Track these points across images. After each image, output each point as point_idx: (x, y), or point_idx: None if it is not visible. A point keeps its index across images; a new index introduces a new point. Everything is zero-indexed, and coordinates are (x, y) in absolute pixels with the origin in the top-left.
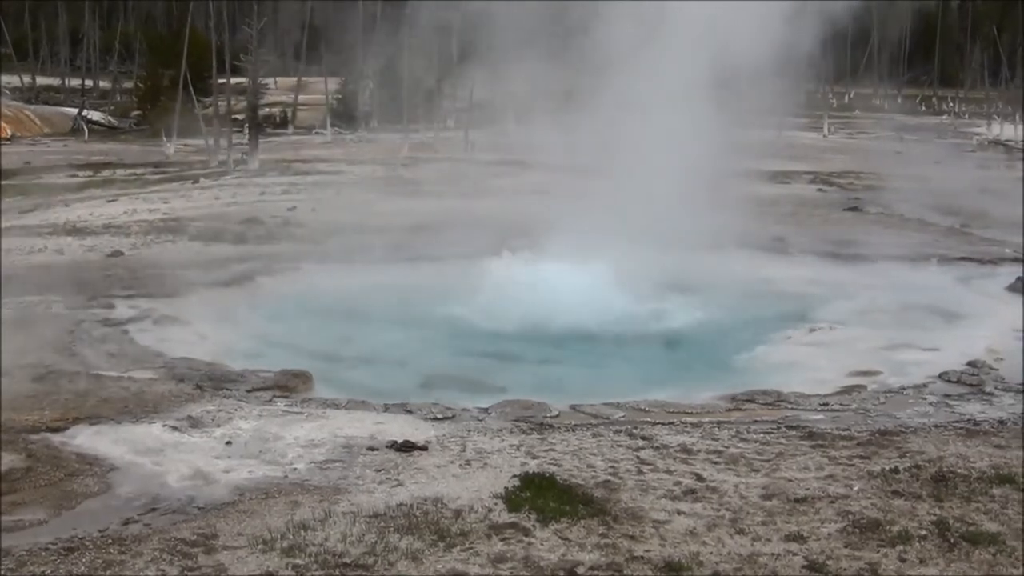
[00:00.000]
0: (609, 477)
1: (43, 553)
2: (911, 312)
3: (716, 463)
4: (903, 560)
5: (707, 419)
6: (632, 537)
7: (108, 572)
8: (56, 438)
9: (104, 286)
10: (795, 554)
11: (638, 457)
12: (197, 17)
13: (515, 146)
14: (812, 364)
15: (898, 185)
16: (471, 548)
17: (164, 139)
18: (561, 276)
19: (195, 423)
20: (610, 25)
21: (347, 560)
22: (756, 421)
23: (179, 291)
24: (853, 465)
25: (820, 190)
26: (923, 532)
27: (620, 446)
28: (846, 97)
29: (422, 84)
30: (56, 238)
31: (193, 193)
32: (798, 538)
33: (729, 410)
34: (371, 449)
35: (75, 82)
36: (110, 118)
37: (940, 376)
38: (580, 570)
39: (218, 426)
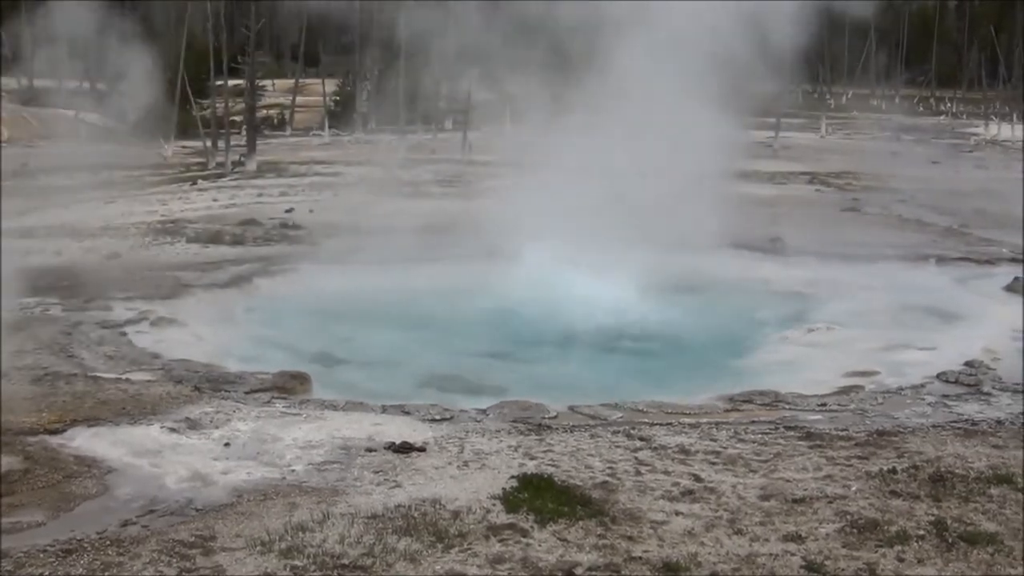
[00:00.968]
0: (607, 478)
1: (41, 555)
2: (909, 312)
3: (714, 464)
4: (901, 560)
5: (705, 420)
6: (630, 538)
7: (106, 574)
8: (54, 440)
9: (102, 288)
10: (793, 554)
11: (636, 458)
12: (194, 19)
13: (512, 147)
14: (810, 364)
15: (896, 185)
16: (469, 549)
17: (162, 141)
18: (560, 277)
19: (193, 425)
20: (603, 25)
21: (345, 561)
22: (754, 422)
23: (177, 293)
24: (851, 465)
25: (818, 191)
26: (921, 532)
27: (618, 447)
28: (844, 98)
29: (420, 85)
30: (54, 240)
31: (191, 195)
32: (796, 538)
33: (727, 411)
34: (369, 450)
35: (72, 83)
36: (108, 120)
37: (938, 376)
38: (578, 571)
39: (216, 428)
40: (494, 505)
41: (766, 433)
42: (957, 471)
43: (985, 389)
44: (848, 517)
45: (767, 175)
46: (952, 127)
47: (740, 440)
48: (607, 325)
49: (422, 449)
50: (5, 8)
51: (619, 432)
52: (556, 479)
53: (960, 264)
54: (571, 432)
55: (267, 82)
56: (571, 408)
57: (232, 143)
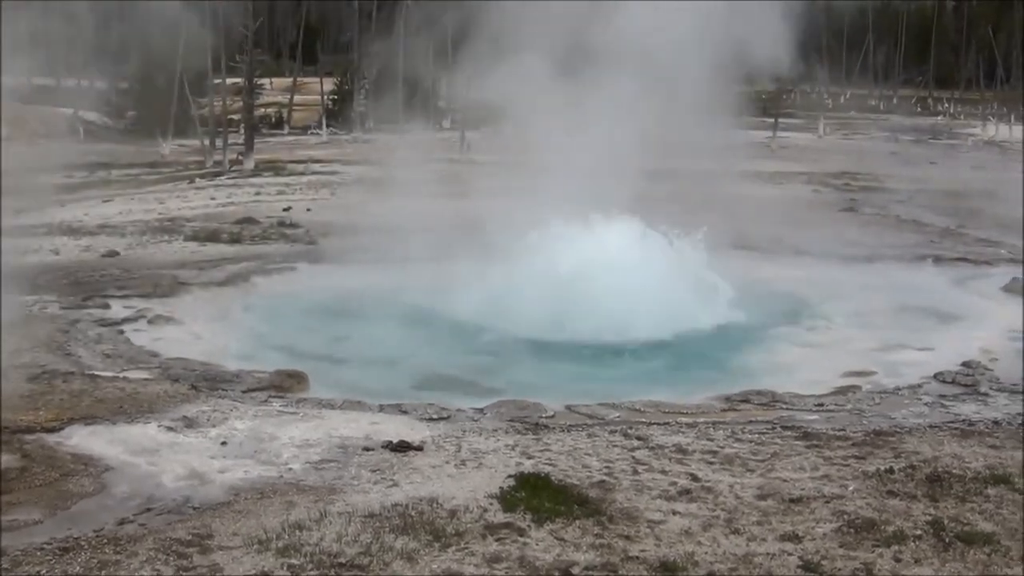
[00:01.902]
0: (604, 477)
1: (38, 553)
2: (906, 313)
3: (711, 463)
4: (898, 560)
5: (702, 419)
6: (627, 537)
7: (103, 572)
8: (51, 438)
9: (99, 286)
10: (790, 554)
11: (633, 457)
12: (192, 17)
13: (512, 147)
14: (807, 364)
15: (894, 186)
16: (466, 548)
17: (160, 139)
18: (559, 276)
19: (190, 423)
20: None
21: (342, 560)
22: (751, 421)
23: (174, 291)
24: (848, 465)
25: (816, 191)
26: (918, 532)
27: (615, 446)
28: (842, 98)
29: (419, 84)
30: (52, 238)
31: (188, 193)
32: (793, 538)
33: (724, 410)
34: (366, 449)
35: (70, 82)
36: (106, 118)
37: (935, 376)
38: (575, 570)
39: (213, 426)
40: (491, 504)
41: (763, 433)
42: (954, 471)
43: (982, 389)
44: (845, 517)
45: (765, 175)
46: (950, 128)
47: (737, 440)
48: (608, 325)
49: (419, 448)
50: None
51: (616, 431)
52: (553, 478)
53: (958, 264)
54: (568, 431)
55: (265, 80)
56: (568, 407)
57: (230, 142)
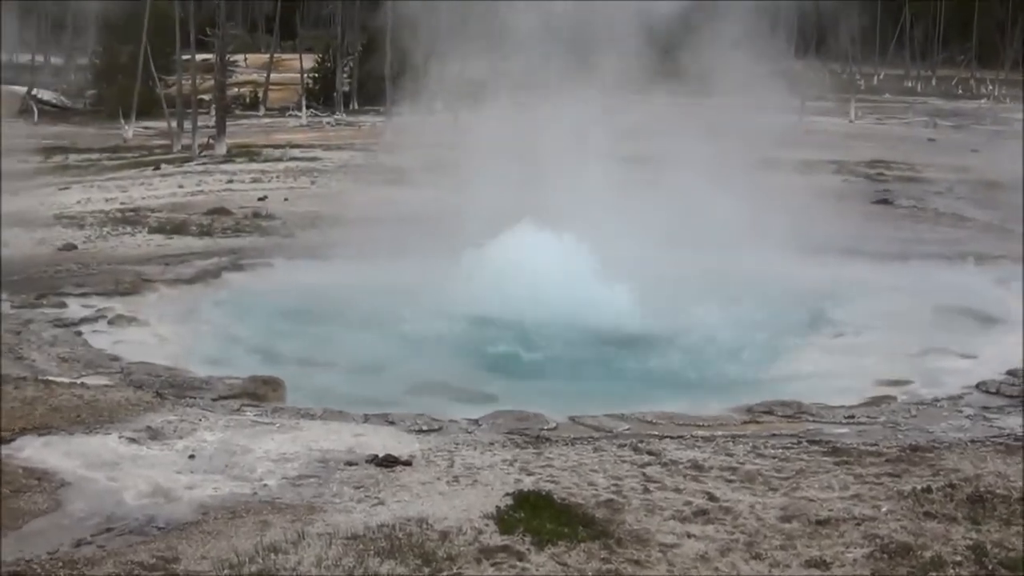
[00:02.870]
0: (612, 496)
1: None
2: (945, 316)
3: (730, 481)
4: None
5: (720, 433)
6: (637, 562)
7: None
8: (1, 450)
9: (55, 283)
10: None
11: (644, 474)
12: None
13: (507, 130)
14: (836, 372)
15: (932, 176)
16: (459, 574)
17: (122, 121)
18: (558, 275)
19: (155, 434)
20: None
21: None
22: (774, 435)
23: (138, 289)
24: (881, 484)
25: (846, 181)
26: (958, 558)
27: (624, 462)
28: (875, 79)
29: (407, 62)
30: (2, 230)
31: (154, 181)
32: (820, 564)
33: (745, 423)
34: (349, 464)
35: (24, 58)
36: (63, 98)
37: (977, 386)
38: None
39: (180, 438)
40: (487, 525)
41: (788, 448)
42: (998, 491)
43: None
44: (878, 541)
45: (790, 164)
46: (994, 112)
47: (759, 455)
48: (608, 326)
49: (408, 463)
50: None
51: (625, 445)
52: (555, 497)
53: (1001, 263)
54: (572, 445)
55: (239, 57)
56: (572, 419)
57: (200, 124)
